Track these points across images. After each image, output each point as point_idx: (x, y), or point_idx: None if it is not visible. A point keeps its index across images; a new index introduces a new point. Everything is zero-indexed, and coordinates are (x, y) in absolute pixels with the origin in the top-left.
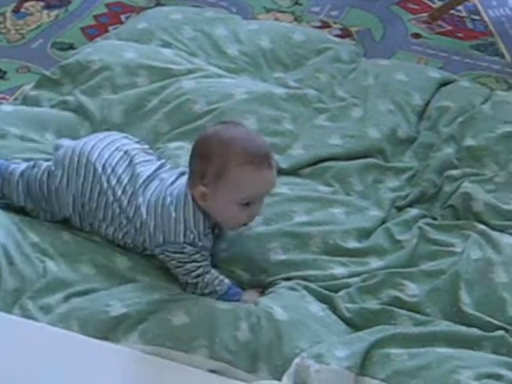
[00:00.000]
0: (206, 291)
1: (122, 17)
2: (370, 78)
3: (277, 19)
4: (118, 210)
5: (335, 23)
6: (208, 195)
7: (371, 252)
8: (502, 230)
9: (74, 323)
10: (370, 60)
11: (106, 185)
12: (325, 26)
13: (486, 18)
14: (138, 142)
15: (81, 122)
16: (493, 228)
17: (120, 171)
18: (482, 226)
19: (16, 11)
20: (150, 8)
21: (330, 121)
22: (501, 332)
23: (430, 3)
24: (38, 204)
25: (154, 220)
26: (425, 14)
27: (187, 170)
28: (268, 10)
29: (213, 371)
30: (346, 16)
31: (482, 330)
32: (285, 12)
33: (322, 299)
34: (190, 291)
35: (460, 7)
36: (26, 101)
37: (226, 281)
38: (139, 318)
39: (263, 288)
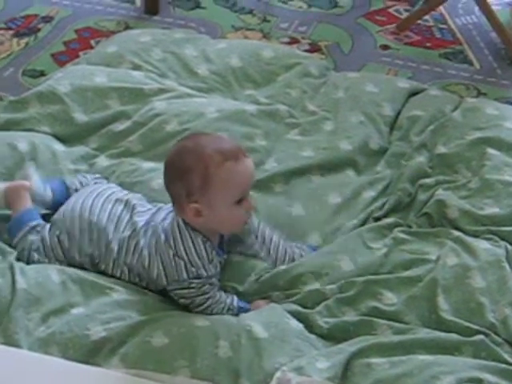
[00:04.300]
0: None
1: (92, 42)
2: (340, 91)
3: (246, 37)
4: (122, 262)
5: (304, 38)
6: (202, 209)
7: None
8: (477, 235)
9: (55, 348)
10: (340, 73)
11: (110, 237)
12: (294, 41)
13: (453, 27)
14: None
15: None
16: (468, 234)
17: (123, 225)
18: (458, 233)
19: None
20: (119, 32)
21: (302, 135)
22: (480, 336)
23: (397, 14)
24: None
25: (156, 263)
26: (392, 26)
27: None
28: (237, 29)
29: None
30: (314, 31)
31: (461, 335)
32: (253, 30)
33: (298, 318)
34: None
35: (427, 17)
36: None
37: (235, 303)
38: (119, 341)
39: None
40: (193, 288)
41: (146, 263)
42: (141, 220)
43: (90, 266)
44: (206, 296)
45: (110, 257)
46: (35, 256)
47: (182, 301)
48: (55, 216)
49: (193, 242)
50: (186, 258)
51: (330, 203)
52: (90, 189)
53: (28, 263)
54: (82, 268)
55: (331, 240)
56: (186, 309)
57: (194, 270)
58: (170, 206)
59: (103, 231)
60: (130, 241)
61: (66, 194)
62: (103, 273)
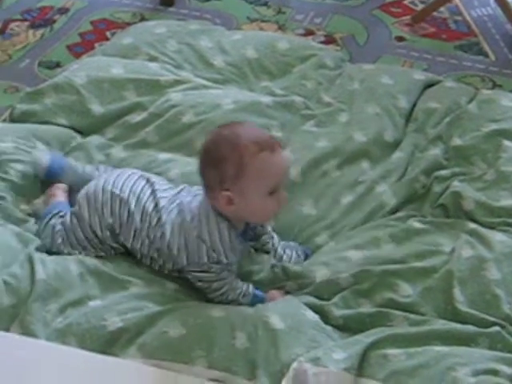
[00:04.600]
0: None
1: (108, 33)
2: (355, 82)
3: (261, 29)
4: (144, 234)
5: (319, 30)
6: (234, 197)
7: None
8: (493, 227)
9: (72, 339)
10: (355, 65)
11: (133, 208)
12: (309, 33)
13: (468, 19)
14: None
15: (72, 135)
16: (484, 225)
17: (145, 198)
18: (473, 225)
19: (2, 32)
20: (134, 23)
21: (318, 126)
22: (496, 328)
23: (412, 6)
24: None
25: (177, 240)
26: (407, 17)
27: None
28: (252, 20)
29: (213, 380)
30: (330, 23)
31: (477, 326)
32: (268, 21)
33: (314, 310)
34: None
35: (442, 9)
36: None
37: (250, 290)
38: (136, 332)
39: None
40: (212, 272)
41: (168, 239)
42: (163, 196)
43: (111, 239)
44: (224, 282)
45: (131, 227)
46: (59, 240)
47: (199, 284)
48: (78, 195)
49: (218, 227)
50: (208, 242)
51: (342, 203)
52: (111, 171)
53: (52, 248)
54: (102, 249)
55: (340, 238)
56: (203, 299)
57: (215, 255)
58: (196, 188)
59: (125, 202)
60: (152, 214)
61: (63, 165)
62: (122, 246)
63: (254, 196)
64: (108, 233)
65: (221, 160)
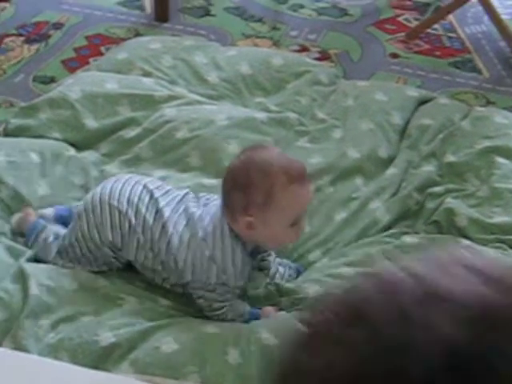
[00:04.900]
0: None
1: (102, 48)
2: (349, 99)
3: (256, 45)
4: (148, 247)
5: (313, 46)
6: (255, 224)
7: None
8: (486, 244)
9: (64, 354)
10: (349, 81)
11: (134, 221)
12: (303, 49)
13: (462, 36)
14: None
15: (67, 148)
16: (477, 242)
17: (144, 208)
18: (466, 242)
19: None
20: (129, 39)
21: (311, 143)
22: None
23: (407, 23)
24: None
25: (184, 255)
26: (402, 34)
27: (211, 200)
28: (247, 36)
29: None
30: (324, 39)
31: None
32: (263, 37)
33: None
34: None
35: (436, 25)
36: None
37: (247, 309)
38: (129, 347)
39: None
40: (216, 293)
41: (174, 252)
42: (165, 204)
43: (111, 253)
44: (225, 304)
45: (133, 240)
46: (53, 251)
47: (200, 301)
48: (78, 208)
49: (233, 250)
50: (220, 264)
51: (336, 219)
52: (108, 180)
53: (46, 261)
54: (99, 263)
55: (333, 255)
56: (198, 315)
57: (224, 277)
58: (203, 198)
59: (125, 214)
60: (154, 225)
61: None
62: (120, 260)
63: (276, 225)
64: (107, 248)
65: (249, 185)
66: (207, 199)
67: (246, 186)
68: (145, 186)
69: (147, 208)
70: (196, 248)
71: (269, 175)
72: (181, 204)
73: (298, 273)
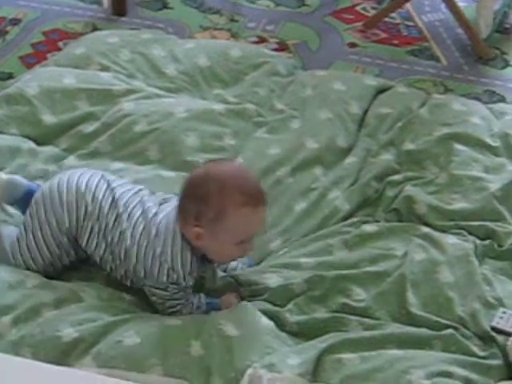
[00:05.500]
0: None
1: (60, 43)
2: (308, 89)
3: (214, 37)
4: (102, 234)
5: (271, 37)
6: (204, 236)
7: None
8: (445, 230)
9: (26, 350)
10: (308, 72)
11: (90, 206)
12: (261, 40)
13: (419, 24)
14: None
15: (25, 142)
16: (436, 229)
17: (101, 194)
18: (426, 228)
19: None
20: (87, 33)
21: (270, 133)
22: (450, 330)
23: (364, 12)
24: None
25: (136, 250)
26: (359, 23)
27: (167, 199)
28: (204, 29)
29: None
30: (282, 30)
31: (430, 329)
32: (221, 29)
33: (269, 316)
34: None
35: (394, 14)
36: None
37: (203, 300)
38: (91, 342)
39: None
40: (168, 292)
41: (127, 244)
42: (119, 192)
43: (69, 245)
44: (176, 302)
45: (88, 224)
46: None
47: (153, 298)
48: (33, 198)
49: (182, 251)
50: (170, 263)
51: (296, 210)
52: (63, 172)
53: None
54: (54, 261)
55: (293, 245)
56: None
57: (175, 276)
58: (160, 197)
59: (82, 197)
60: (109, 211)
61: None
62: (83, 250)
63: (223, 242)
64: (65, 238)
65: (204, 198)
66: (164, 199)
67: (201, 198)
68: (102, 176)
69: (104, 195)
70: (148, 244)
71: (224, 193)
72: (136, 197)
73: (249, 266)
